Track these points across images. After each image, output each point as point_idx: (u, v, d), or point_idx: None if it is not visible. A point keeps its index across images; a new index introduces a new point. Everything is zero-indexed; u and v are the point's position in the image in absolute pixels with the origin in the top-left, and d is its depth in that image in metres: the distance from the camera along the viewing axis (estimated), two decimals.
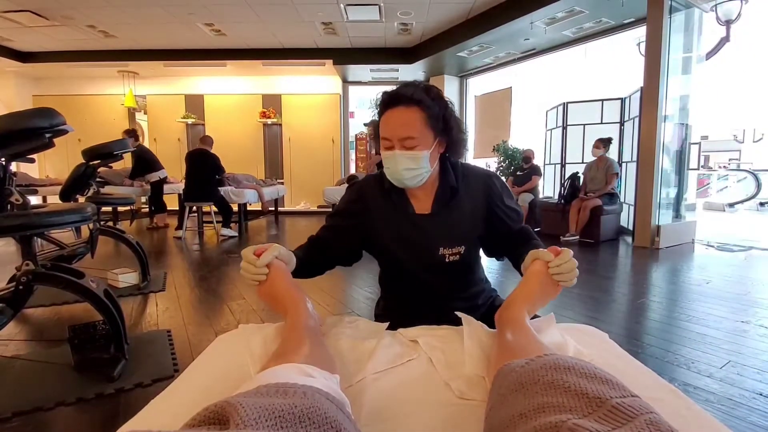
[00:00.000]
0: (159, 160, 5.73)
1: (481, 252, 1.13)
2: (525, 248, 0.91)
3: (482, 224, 1.03)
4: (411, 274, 1.04)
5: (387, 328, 0.93)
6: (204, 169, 5.00)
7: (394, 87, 0.98)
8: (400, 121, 0.93)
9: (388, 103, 0.95)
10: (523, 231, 1.06)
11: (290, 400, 0.44)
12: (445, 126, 0.97)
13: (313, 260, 1.03)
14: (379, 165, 1.08)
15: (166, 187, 5.81)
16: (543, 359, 0.52)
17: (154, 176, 5.59)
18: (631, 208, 4.71)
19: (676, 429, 0.39)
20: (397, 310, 1.12)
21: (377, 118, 1.00)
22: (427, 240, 1.00)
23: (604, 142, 4.79)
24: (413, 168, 0.94)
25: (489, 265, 3.54)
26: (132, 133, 5.49)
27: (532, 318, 0.81)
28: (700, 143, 4.86)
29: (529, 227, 1.08)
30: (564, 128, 5.89)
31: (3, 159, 1.48)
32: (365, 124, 7.70)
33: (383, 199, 1.03)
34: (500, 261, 1.13)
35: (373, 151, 7.03)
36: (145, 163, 5.53)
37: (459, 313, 0.89)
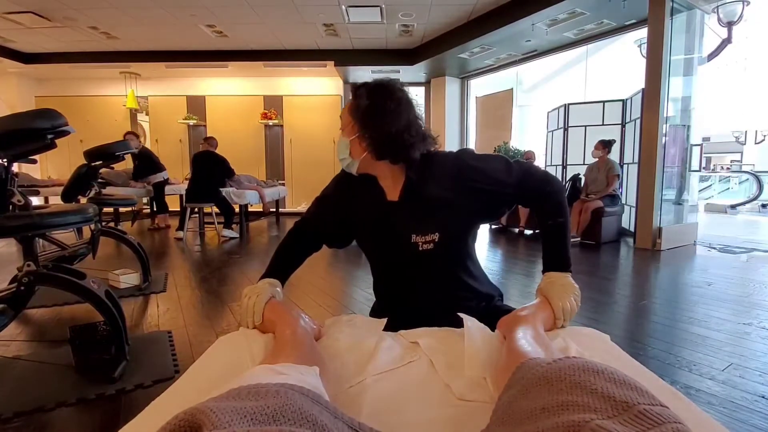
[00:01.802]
0: (161, 162, 5.76)
1: (480, 258, 1.12)
2: (546, 243, 1.01)
3: (459, 213, 1.01)
4: (391, 264, 1.08)
5: (387, 329, 0.93)
6: (209, 171, 5.01)
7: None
8: None
9: None
10: (540, 199, 1.01)
11: (262, 402, 0.44)
12: (361, 119, 0.99)
13: (294, 262, 1.12)
14: None
15: (167, 188, 5.82)
16: (571, 360, 0.52)
17: (158, 177, 5.62)
18: (633, 210, 4.70)
19: None
20: (388, 313, 1.09)
21: None
22: (397, 226, 1.02)
23: (605, 144, 4.77)
24: (340, 151, 1.04)
25: (489, 267, 3.54)
26: (134, 134, 5.53)
27: None
28: (701, 145, 4.85)
29: (549, 182, 1.02)
30: (565, 129, 5.88)
31: (5, 160, 1.48)
32: None
33: (362, 187, 1.08)
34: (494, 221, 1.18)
35: None
36: (148, 164, 5.56)
37: (461, 314, 0.88)
